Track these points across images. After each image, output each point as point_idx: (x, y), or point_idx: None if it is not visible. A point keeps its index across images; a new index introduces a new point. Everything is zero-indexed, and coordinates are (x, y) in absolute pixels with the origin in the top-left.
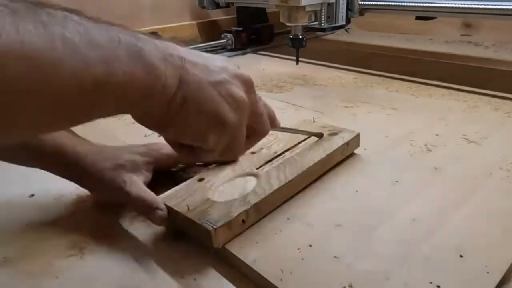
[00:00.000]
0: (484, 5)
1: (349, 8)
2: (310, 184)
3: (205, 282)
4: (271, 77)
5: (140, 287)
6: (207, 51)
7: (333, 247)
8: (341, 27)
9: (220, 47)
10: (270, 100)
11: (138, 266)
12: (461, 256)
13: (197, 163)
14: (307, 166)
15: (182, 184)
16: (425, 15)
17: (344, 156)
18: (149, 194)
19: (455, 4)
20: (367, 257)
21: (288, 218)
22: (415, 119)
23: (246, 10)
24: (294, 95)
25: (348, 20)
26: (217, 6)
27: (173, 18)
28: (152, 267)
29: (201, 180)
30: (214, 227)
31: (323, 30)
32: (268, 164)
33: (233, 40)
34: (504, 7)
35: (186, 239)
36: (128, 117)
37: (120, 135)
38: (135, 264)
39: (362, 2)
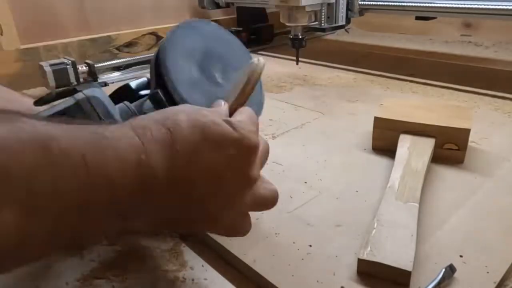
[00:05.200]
0: (484, 5)
1: (349, 8)
2: (309, 183)
3: (205, 282)
4: (271, 77)
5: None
6: None
7: (333, 247)
8: (341, 27)
9: None
10: (270, 100)
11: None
12: (461, 256)
13: None
14: None
15: None
16: (425, 15)
17: None
18: None
19: (455, 4)
20: None
21: (288, 218)
22: None
23: (246, 10)
24: (294, 95)
25: (348, 20)
26: (217, 6)
27: (173, 18)
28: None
29: None
30: None
31: (323, 30)
32: None
33: None
34: (504, 7)
35: (189, 239)
36: None
37: None
38: None
39: (362, 2)
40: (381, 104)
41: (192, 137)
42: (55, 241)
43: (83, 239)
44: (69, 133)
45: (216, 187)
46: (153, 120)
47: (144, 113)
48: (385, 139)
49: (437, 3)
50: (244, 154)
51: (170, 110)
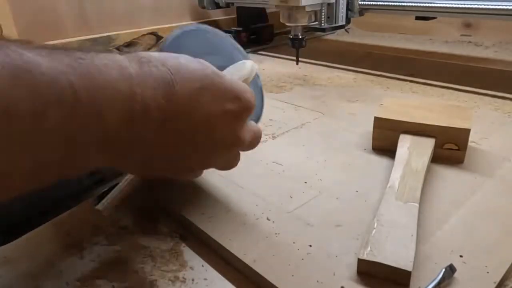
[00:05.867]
0: (484, 5)
1: (349, 8)
2: (309, 183)
3: (205, 282)
4: (271, 77)
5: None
6: None
7: (333, 247)
8: (341, 27)
9: None
10: (270, 100)
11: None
12: (461, 256)
13: None
14: None
15: None
16: (425, 15)
17: None
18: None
19: (455, 4)
20: None
21: (288, 218)
22: None
23: (246, 10)
24: (294, 95)
25: (348, 20)
26: (217, 6)
27: (173, 18)
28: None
29: None
30: None
31: (323, 30)
32: None
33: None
34: (504, 7)
35: (188, 239)
36: None
37: None
38: None
39: (362, 2)
40: (381, 104)
41: (193, 83)
42: (38, 174)
43: (69, 173)
44: (55, 60)
45: (207, 137)
46: (153, 56)
47: None
48: (385, 139)
49: (437, 3)
50: (239, 111)
51: (169, 53)
